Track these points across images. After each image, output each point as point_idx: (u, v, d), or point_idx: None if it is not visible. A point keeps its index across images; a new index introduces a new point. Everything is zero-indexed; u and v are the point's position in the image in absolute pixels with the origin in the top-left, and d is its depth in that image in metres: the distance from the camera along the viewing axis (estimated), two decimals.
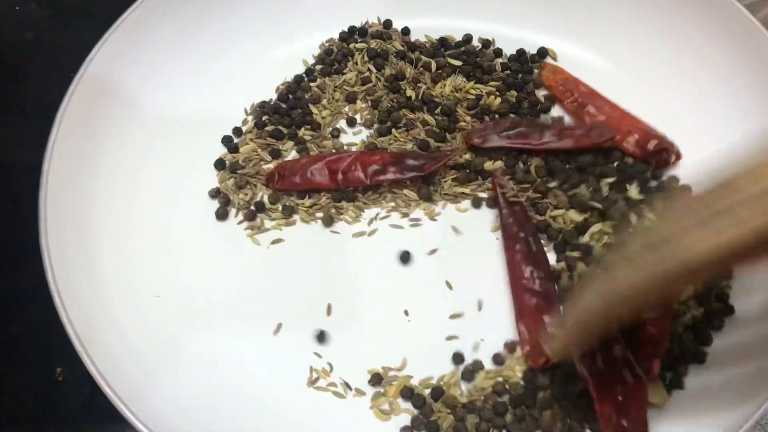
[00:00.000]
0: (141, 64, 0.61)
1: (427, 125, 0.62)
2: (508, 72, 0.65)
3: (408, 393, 0.51)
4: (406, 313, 0.54)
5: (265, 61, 0.65)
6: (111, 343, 0.50)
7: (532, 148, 0.59)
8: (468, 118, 0.62)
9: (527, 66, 0.66)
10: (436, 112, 0.62)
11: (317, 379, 0.52)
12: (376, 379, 0.51)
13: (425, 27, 0.68)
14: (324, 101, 0.64)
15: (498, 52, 0.67)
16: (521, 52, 0.66)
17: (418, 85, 0.64)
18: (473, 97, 0.63)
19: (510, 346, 0.53)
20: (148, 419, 0.45)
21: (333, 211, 0.58)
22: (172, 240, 0.57)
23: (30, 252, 0.51)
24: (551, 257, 0.56)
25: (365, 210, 0.58)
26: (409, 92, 0.63)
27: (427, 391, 0.51)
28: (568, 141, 0.59)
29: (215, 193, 0.59)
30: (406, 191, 0.59)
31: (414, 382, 0.52)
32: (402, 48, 0.66)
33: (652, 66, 0.64)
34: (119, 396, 0.46)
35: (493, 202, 0.59)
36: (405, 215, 0.58)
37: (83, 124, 0.57)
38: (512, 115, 0.62)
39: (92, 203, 0.56)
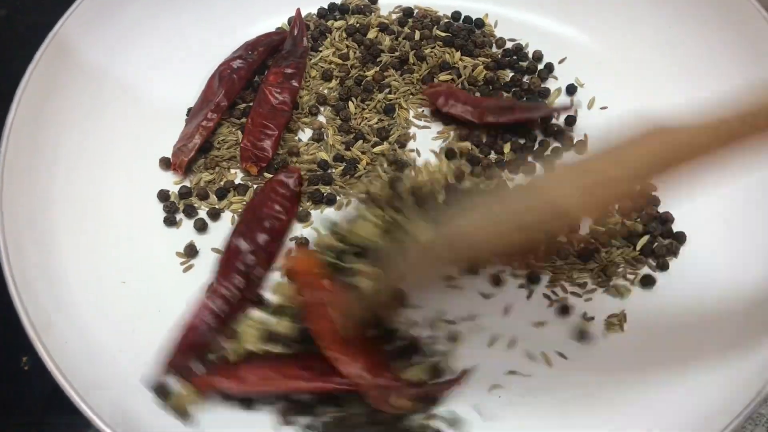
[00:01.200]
0: (108, 39, 0.59)
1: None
2: (504, 51, 0.63)
3: None
4: None
5: (240, 37, 0.63)
6: (70, 331, 0.48)
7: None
8: (443, 77, 0.61)
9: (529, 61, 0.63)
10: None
11: None
12: None
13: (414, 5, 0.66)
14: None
15: (500, 43, 0.64)
16: (518, 48, 0.63)
17: (396, 53, 0.62)
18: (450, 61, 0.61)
19: None
20: (108, 414, 0.43)
21: (309, 203, 0.56)
22: (138, 222, 0.55)
23: None
24: None
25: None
26: (386, 58, 0.61)
27: None
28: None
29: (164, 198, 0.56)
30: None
31: None
32: (385, 21, 0.64)
33: (641, 43, 0.62)
34: (74, 386, 0.44)
35: None
36: None
37: (45, 99, 0.55)
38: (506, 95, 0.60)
39: (52, 183, 0.54)
